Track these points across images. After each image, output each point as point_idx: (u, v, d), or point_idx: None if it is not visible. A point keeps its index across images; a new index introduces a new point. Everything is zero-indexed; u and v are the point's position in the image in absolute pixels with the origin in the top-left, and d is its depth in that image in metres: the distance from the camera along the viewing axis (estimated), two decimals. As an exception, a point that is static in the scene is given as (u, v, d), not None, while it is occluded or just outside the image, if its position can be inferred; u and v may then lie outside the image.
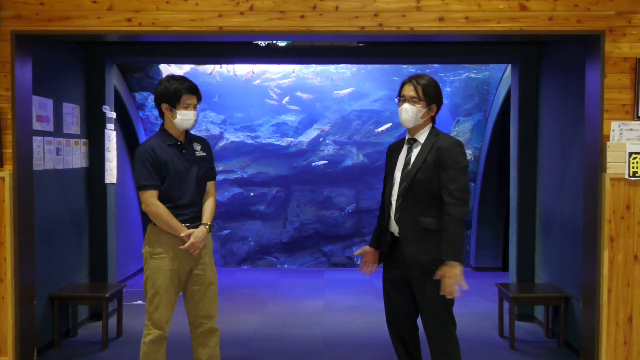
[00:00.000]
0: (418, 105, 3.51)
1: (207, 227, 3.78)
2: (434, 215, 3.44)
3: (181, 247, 3.70)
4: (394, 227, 3.56)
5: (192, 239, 3.70)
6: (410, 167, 3.50)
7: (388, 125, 9.17)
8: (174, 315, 3.84)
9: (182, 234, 3.70)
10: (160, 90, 3.78)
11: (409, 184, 3.46)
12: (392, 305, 3.64)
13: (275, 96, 9.18)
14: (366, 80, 9.29)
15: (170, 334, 3.85)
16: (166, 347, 3.88)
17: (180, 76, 3.85)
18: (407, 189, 3.46)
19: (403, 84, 3.60)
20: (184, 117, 3.74)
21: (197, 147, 3.87)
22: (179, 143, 3.81)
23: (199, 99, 3.85)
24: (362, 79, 9.28)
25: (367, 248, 3.75)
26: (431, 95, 3.52)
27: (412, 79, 3.57)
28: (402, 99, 3.56)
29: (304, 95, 9.19)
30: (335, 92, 9.20)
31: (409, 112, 3.52)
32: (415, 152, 3.54)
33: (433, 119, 3.62)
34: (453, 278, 3.29)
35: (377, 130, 9.20)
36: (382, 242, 3.67)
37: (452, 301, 3.49)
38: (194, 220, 3.78)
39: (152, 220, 3.75)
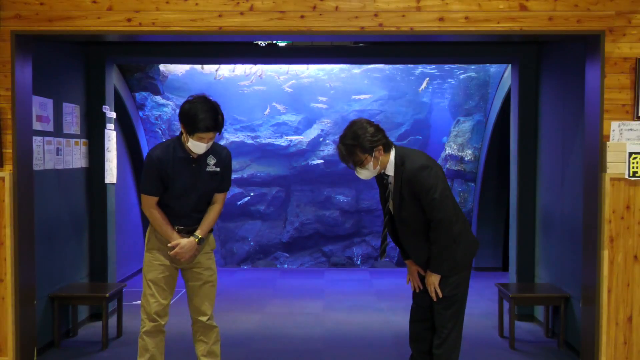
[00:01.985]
0: (364, 163, 3.43)
1: (197, 240, 3.77)
2: None
3: (169, 252, 3.76)
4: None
5: (177, 249, 3.73)
6: (393, 206, 3.54)
7: None
8: (176, 314, 3.86)
9: (169, 244, 3.75)
10: (183, 110, 3.63)
11: (400, 223, 3.55)
12: (415, 298, 3.76)
13: (281, 108, 9.23)
14: (366, 80, 9.29)
15: (172, 332, 3.87)
16: (167, 345, 3.89)
17: (208, 106, 3.61)
18: (401, 227, 3.57)
19: None
20: (194, 147, 3.66)
21: (212, 161, 3.78)
22: (190, 157, 3.75)
23: (219, 132, 3.71)
24: (363, 79, 9.29)
25: (409, 264, 3.74)
26: (366, 145, 3.38)
27: (340, 153, 3.46)
28: (351, 167, 3.50)
29: (321, 99, 9.22)
30: (354, 96, 9.21)
31: (365, 174, 3.52)
32: (391, 188, 3.55)
33: (388, 146, 3.47)
34: (432, 285, 3.57)
35: None
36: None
37: (464, 302, 3.65)
38: (189, 227, 3.81)
39: (150, 222, 3.84)
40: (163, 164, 3.70)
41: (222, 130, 3.82)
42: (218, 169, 3.80)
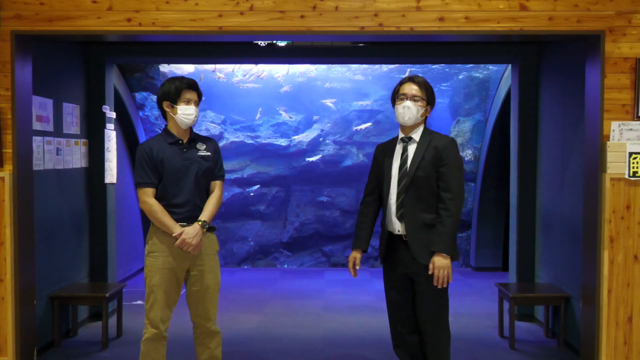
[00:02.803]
0: (419, 104, 3.59)
1: (200, 223, 3.74)
2: (435, 212, 3.52)
3: (174, 244, 3.72)
4: (394, 226, 3.60)
5: (182, 236, 3.69)
6: (409, 164, 3.55)
7: (368, 124, 9.19)
8: (177, 315, 3.84)
9: (174, 234, 3.71)
10: (161, 90, 3.85)
11: (409, 181, 3.52)
12: (394, 305, 3.69)
13: (287, 116, 9.23)
14: (366, 80, 9.29)
15: (172, 334, 3.85)
16: (167, 346, 3.88)
17: (179, 76, 3.92)
18: (407, 186, 3.53)
19: (402, 83, 3.66)
20: (184, 112, 3.77)
21: (202, 146, 3.87)
22: (180, 142, 3.83)
23: (200, 96, 3.89)
24: (362, 79, 9.28)
25: (357, 255, 3.75)
26: (430, 94, 3.64)
27: (412, 78, 3.64)
28: (402, 97, 3.60)
29: (329, 102, 9.23)
30: (355, 127, 9.23)
31: (412, 110, 3.57)
32: (412, 150, 3.60)
33: (425, 118, 3.71)
34: (445, 269, 3.45)
35: (354, 128, 9.21)
36: (381, 242, 3.71)
37: (446, 296, 3.60)
38: (191, 219, 3.77)
39: (148, 217, 3.80)
40: (154, 150, 3.78)
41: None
42: (209, 153, 3.88)
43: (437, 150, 3.53)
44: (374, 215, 3.78)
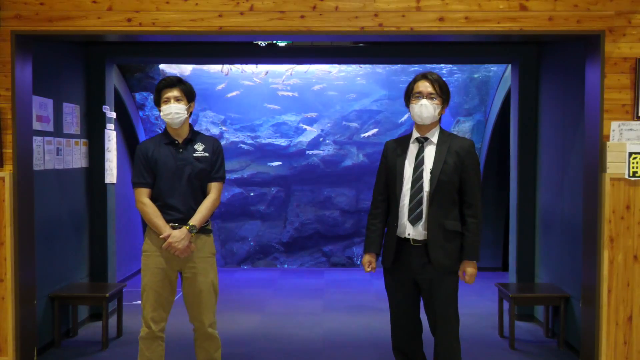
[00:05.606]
0: (436, 102, 3.49)
1: (188, 227, 3.69)
2: (455, 217, 3.51)
3: (162, 246, 3.71)
4: (404, 229, 3.52)
5: (169, 239, 3.67)
6: (432, 168, 3.47)
7: (374, 130, 9.19)
8: (177, 316, 3.83)
9: (161, 236, 3.70)
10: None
11: (434, 187, 3.44)
12: (399, 309, 3.64)
13: (308, 127, 9.26)
14: (367, 80, 9.29)
15: (173, 335, 3.85)
16: (167, 347, 3.88)
17: (169, 75, 3.94)
18: (433, 193, 3.44)
19: (416, 81, 3.55)
20: (164, 112, 3.77)
21: (200, 147, 3.83)
22: (175, 142, 3.81)
23: (184, 91, 3.80)
24: (363, 79, 9.28)
25: (371, 259, 3.70)
26: (445, 91, 3.53)
27: (427, 75, 3.53)
28: (417, 95, 3.50)
29: (350, 96, 9.25)
30: (363, 134, 9.24)
31: (429, 108, 3.47)
32: (430, 152, 3.51)
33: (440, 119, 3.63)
34: (475, 275, 3.58)
35: (362, 135, 9.20)
36: (388, 245, 3.61)
37: (456, 301, 3.60)
38: (184, 221, 3.74)
39: (142, 217, 3.81)
40: (149, 150, 3.79)
41: (194, 98, 3.89)
42: (207, 154, 3.82)
43: (459, 155, 3.46)
44: (385, 215, 3.68)
